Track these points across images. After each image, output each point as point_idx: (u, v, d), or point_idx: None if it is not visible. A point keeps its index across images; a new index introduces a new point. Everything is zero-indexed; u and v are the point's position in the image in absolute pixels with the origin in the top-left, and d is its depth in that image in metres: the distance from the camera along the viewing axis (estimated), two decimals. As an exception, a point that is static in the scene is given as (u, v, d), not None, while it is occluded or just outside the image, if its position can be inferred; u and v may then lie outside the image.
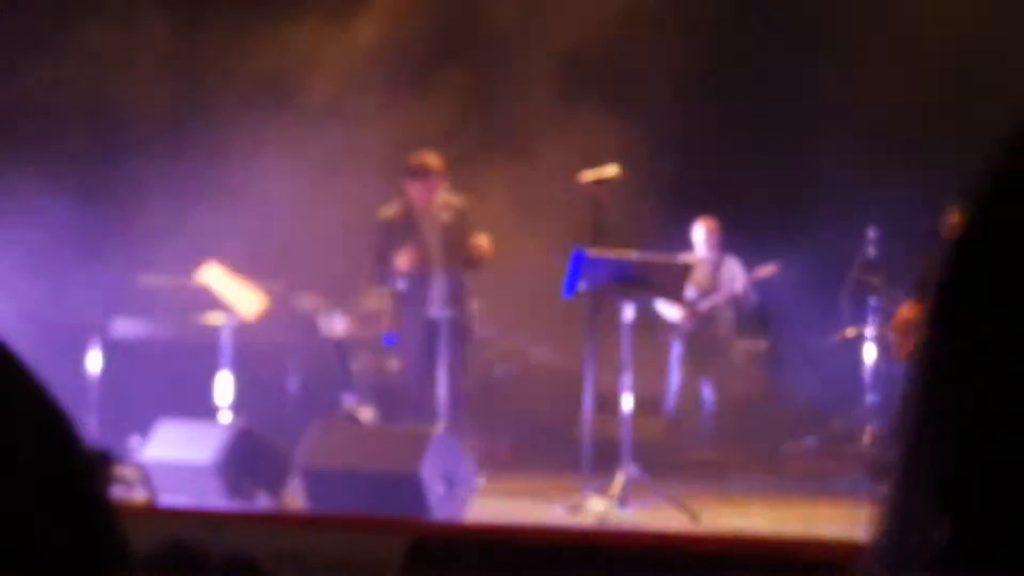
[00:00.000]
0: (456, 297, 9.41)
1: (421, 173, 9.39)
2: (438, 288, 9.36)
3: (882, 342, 11.97)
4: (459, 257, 9.32)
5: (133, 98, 11.11)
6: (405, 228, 9.40)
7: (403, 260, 9.31)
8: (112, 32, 10.96)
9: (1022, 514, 0.69)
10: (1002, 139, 0.78)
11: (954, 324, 0.74)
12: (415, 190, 9.44)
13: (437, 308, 9.33)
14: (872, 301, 12.13)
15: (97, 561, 0.93)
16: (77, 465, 0.96)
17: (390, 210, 9.54)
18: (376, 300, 11.71)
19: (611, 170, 8.75)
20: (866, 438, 11.89)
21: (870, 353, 12.15)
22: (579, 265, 8.17)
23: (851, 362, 12.31)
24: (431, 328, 9.29)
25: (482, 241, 9.27)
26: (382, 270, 9.49)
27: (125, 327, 11.05)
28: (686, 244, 11.70)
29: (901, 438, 0.78)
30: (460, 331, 9.42)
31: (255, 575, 1.19)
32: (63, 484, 0.94)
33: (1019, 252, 0.73)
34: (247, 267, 10.05)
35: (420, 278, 9.29)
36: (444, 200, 9.42)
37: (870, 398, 12.12)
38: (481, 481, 8.66)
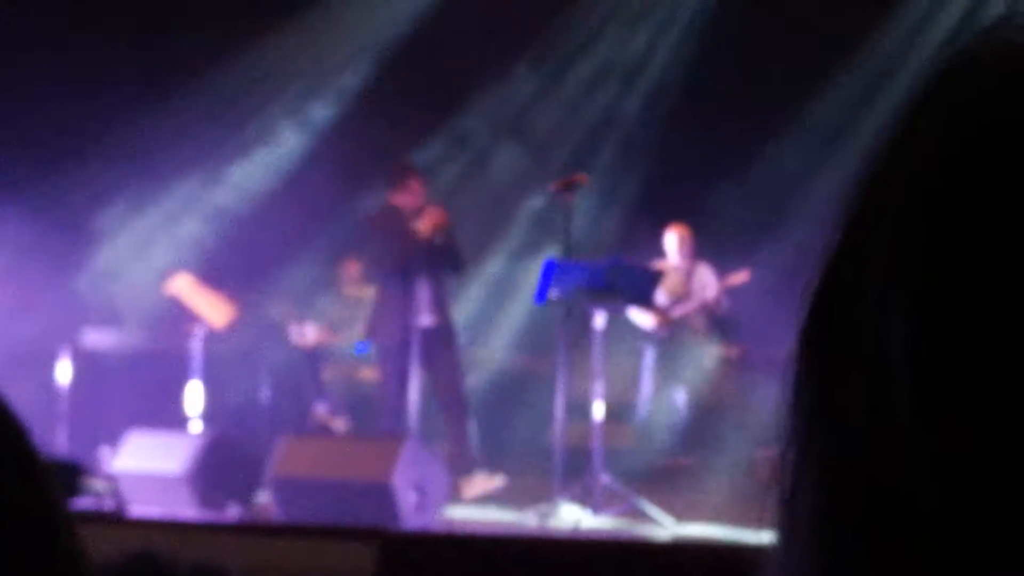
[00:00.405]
0: (444, 303, 9.36)
1: (404, 180, 9.31)
2: (423, 295, 9.25)
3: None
4: (446, 262, 9.23)
5: (97, 107, 11.07)
6: (394, 228, 9.25)
7: (427, 221, 9.14)
8: (78, 48, 10.93)
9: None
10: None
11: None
12: (400, 197, 9.35)
13: (426, 316, 9.23)
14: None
15: (53, 572, 0.92)
16: (32, 476, 0.95)
17: (376, 211, 9.46)
18: (343, 309, 11.71)
19: (579, 177, 8.76)
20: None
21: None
22: (551, 272, 8.17)
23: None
24: (422, 336, 9.16)
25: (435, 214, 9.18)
26: (374, 267, 9.41)
27: (94, 338, 11.02)
28: (657, 251, 11.72)
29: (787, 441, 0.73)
30: (451, 337, 9.38)
31: None
32: (18, 495, 0.92)
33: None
34: (215, 277, 10.03)
35: (404, 284, 9.14)
36: (427, 206, 9.36)
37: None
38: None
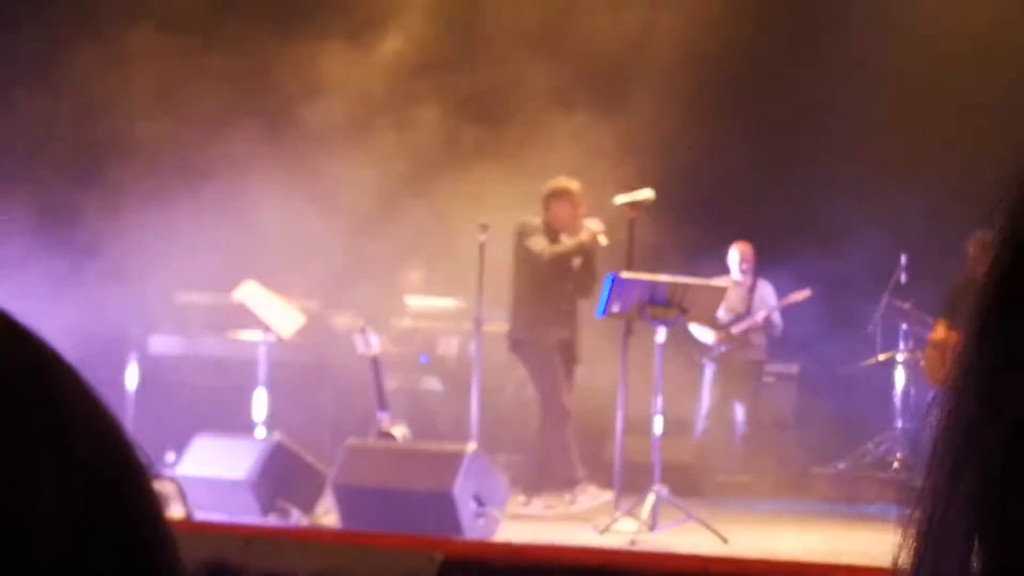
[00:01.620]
0: (575, 318, 9.52)
1: (562, 196, 9.45)
2: (562, 308, 9.46)
3: (913, 367, 11.99)
4: (587, 285, 9.41)
5: (163, 120, 11.27)
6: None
7: (595, 226, 9.30)
8: (109, 61, 11.12)
9: None
10: None
11: (996, 348, 0.75)
12: (556, 212, 9.46)
13: (564, 329, 9.44)
14: (903, 326, 12.17)
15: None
16: (133, 474, 0.94)
17: (535, 221, 9.57)
18: (406, 319, 11.82)
19: (645, 192, 8.83)
20: (896, 463, 11.91)
21: (901, 378, 12.18)
22: (612, 286, 8.24)
23: (882, 387, 12.35)
24: (559, 347, 9.41)
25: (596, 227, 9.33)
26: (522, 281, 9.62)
27: (162, 343, 11.19)
28: (720, 267, 11.76)
29: (938, 464, 0.78)
30: (576, 354, 9.57)
31: None
32: (119, 493, 0.91)
33: None
34: (283, 285, 10.15)
35: (544, 297, 9.39)
36: (585, 226, 9.41)
37: (901, 423, 12.14)
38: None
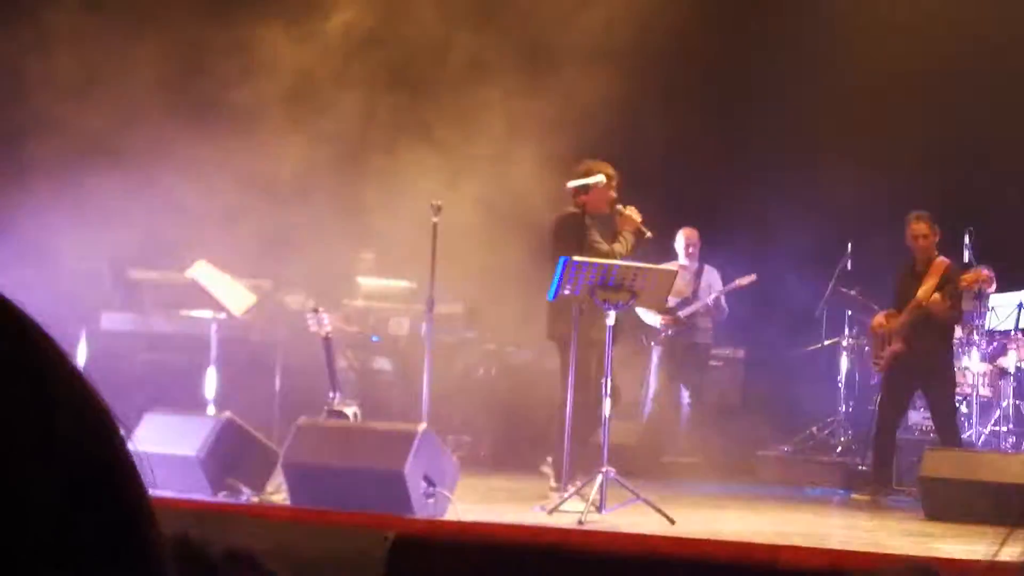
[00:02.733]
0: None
1: (600, 181, 9.14)
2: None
3: (858, 352, 12.16)
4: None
5: (113, 99, 11.18)
6: (580, 229, 9.05)
7: (634, 214, 9.13)
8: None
9: None
10: None
11: None
12: (596, 198, 9.11)
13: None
14: (849, 312, 12.34)
15: (132, 558, 0.91)
16: (118, 458, 0.94)
17: (573, 212, 9.18)
18: (359, 299, 11.84)
19: (597, 177, 8.90)
20: (840, 447, 12.08)
21: (845, 363, 12.34)
22: (564, 270, 8.29)
23: (827, 372, 12.51)
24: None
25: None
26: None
27: (113, 320, 11.16)
28: (667, 253, 11.86)
29: None
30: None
31: (257, 571, 1.23)
32: (103, 477, 0.91)
33: None
34: (234, 265, 10.14)
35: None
36: (627, 215, 9.22)
37: (844, 408, 12.31)
38: None
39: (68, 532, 0.88)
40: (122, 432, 0.96)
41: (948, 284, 10.09)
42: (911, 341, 10.17)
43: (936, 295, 10.07)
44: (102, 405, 0.96)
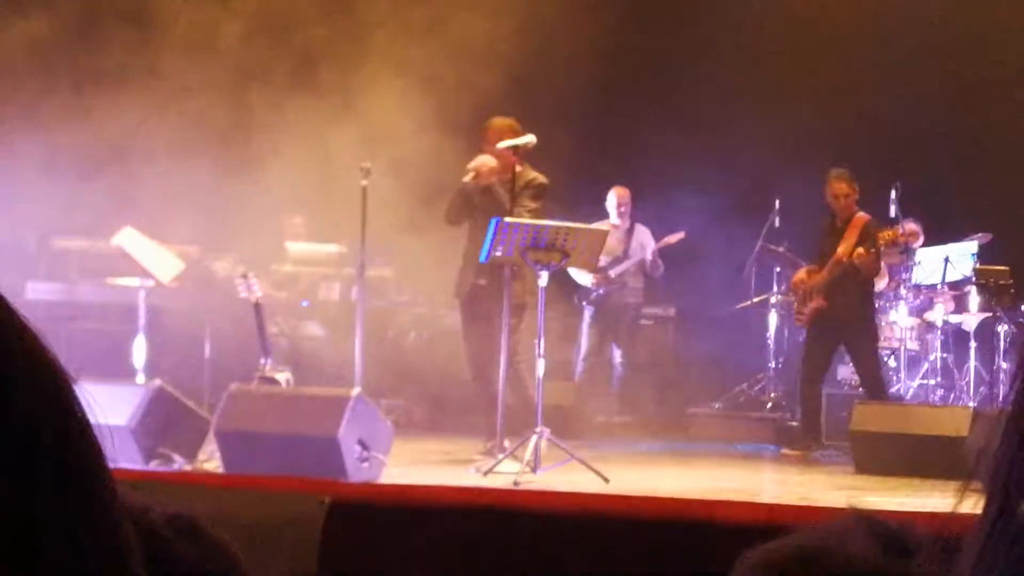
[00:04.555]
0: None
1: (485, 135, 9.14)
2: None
3: (786, 309, 12.26)
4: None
5: (38, 68, 11.02)
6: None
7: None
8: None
9: None
10: None
11: None
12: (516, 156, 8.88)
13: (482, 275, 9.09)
14: (777, 269, 12.43)
15: (92, 529, 0.90)
16: (78, 432, 0.93)
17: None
18: (288, 264, 11.76)
19: (528, 137, 8.87)
20: (770, 403, 12.19)
21: (774, 320, 12.44)
22: (496, 231, 8.28)
23: (756, 329, 12.61)
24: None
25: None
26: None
27: (39, 289, 11.02)
28: (597, 212, 11.87)
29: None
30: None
31: (199, 534, 1.21)
32: (60, 438, 0.91)
33: None
34: (162, 231, 10.05)
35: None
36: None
37: (774, 364, 12.42)
38: None
39: (25, 496, 0.86)
40: (77, 392, 0.95)
41: (868, 240, 10.18)
42: (832, 297, 10.26)
43: (860, 250, 10.15)
44: (57, 364, 0.95)
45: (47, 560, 0.87)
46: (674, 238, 12.06)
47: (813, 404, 10.49)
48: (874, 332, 10.57)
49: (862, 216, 10.33)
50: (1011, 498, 0.83)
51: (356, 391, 7.84)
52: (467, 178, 8.99)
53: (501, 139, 8.96)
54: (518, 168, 8.77)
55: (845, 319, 10.25)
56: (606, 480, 7.81)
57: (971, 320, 11.43)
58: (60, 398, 0.94)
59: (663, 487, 8.02)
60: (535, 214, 8.83)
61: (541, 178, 9.03)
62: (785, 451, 10.45)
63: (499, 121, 9.21)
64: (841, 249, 10.26)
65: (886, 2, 12.65)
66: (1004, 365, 10.78)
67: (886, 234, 10.19)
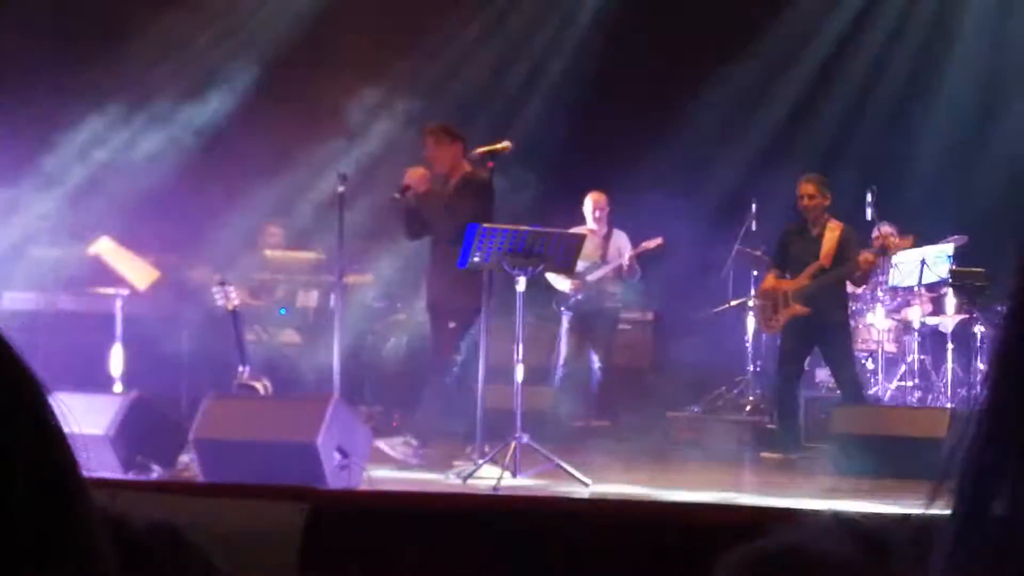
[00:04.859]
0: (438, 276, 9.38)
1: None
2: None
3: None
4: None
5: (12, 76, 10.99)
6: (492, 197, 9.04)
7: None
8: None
9: None
10: None
11: None
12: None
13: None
14: (754, 272, 12.45)
15: (67, 538, 0.91)
16: (49, 440, 0.94)
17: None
18: (265, 272, 11.74)
19: (503, 143, 8.87)
20: (748, 407, 12.20)
21: (752, 324, 12.46)
22: (473, 237, 8.28)
23: (734, 332, 12.63)
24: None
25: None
26: None
27: (15, 299, 10.97)
28: (575, 217, 11.87)
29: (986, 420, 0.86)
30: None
31: (179, 542, 1.21)
32: (34, 460, 0.91)
33: None
34: (138, 240, 10.02)
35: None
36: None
37: (752, 368, 12.44)
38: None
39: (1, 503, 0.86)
40: (51, 402, 0.97)
41: (849, 246, 10.18)
42: (812, 302, 10.25)
43: (868, 255, 10.14)
44: (30, 373, 0.97)
45: (23, 569, 0.87)
46: (652, 243, 12.05)
47: (791, 407, 10.50)
48: (849, 333, 10.59)
49: (838, 223, 10.32)
50: (980, 497, 0.84)
51: (335, 398, 7.83)
52: (397, 195, 9.05)
53: (438, 143, 9.12)
54: (482, 173, 8.85)
55: (819, 322, 10.25)
56: (586, 484, 7.82)
57: (948, 322, 11.47)
58: (34, 408, 0.95)
59: (642, 491, 8.03)
60: (478, 212, 8.79)
61: (484, 174, 9.00)
62: (765, 454, 10.46)
63: (433, 125, 9.36)
64: (824, 256, 10.22)
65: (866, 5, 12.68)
66: (981, 366, 10.81)
67: (867, 258, 10.16)
